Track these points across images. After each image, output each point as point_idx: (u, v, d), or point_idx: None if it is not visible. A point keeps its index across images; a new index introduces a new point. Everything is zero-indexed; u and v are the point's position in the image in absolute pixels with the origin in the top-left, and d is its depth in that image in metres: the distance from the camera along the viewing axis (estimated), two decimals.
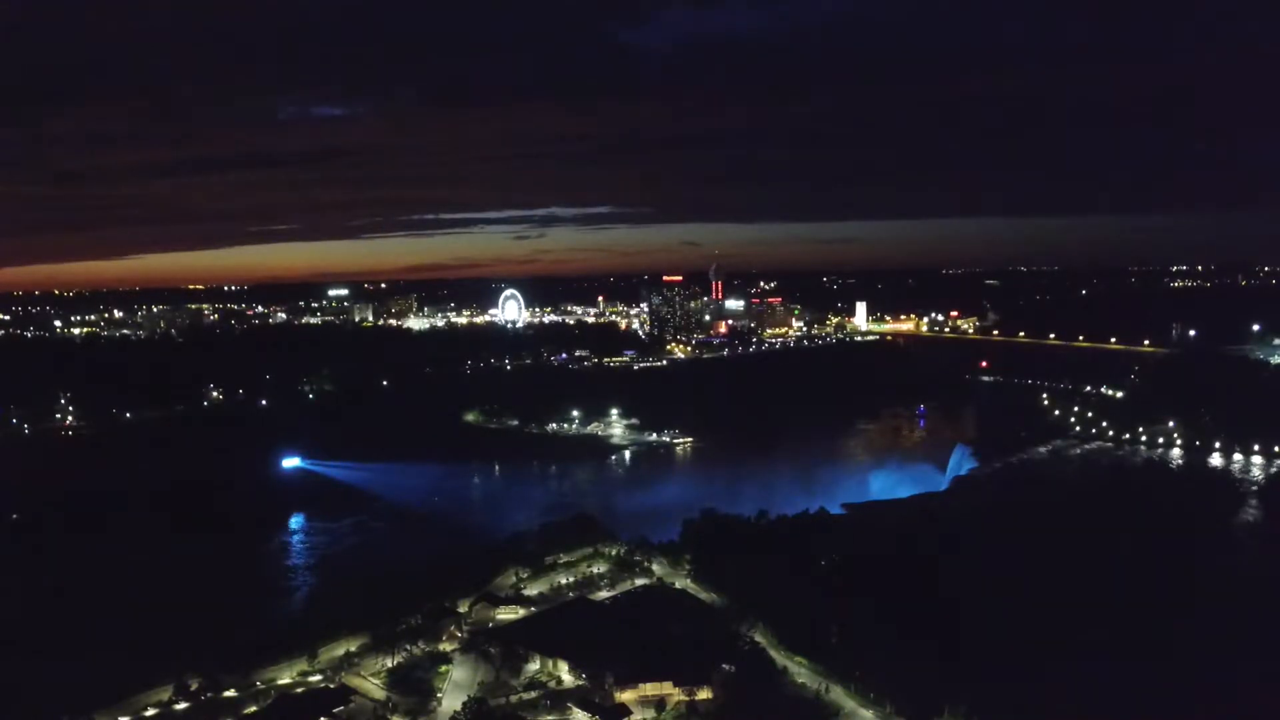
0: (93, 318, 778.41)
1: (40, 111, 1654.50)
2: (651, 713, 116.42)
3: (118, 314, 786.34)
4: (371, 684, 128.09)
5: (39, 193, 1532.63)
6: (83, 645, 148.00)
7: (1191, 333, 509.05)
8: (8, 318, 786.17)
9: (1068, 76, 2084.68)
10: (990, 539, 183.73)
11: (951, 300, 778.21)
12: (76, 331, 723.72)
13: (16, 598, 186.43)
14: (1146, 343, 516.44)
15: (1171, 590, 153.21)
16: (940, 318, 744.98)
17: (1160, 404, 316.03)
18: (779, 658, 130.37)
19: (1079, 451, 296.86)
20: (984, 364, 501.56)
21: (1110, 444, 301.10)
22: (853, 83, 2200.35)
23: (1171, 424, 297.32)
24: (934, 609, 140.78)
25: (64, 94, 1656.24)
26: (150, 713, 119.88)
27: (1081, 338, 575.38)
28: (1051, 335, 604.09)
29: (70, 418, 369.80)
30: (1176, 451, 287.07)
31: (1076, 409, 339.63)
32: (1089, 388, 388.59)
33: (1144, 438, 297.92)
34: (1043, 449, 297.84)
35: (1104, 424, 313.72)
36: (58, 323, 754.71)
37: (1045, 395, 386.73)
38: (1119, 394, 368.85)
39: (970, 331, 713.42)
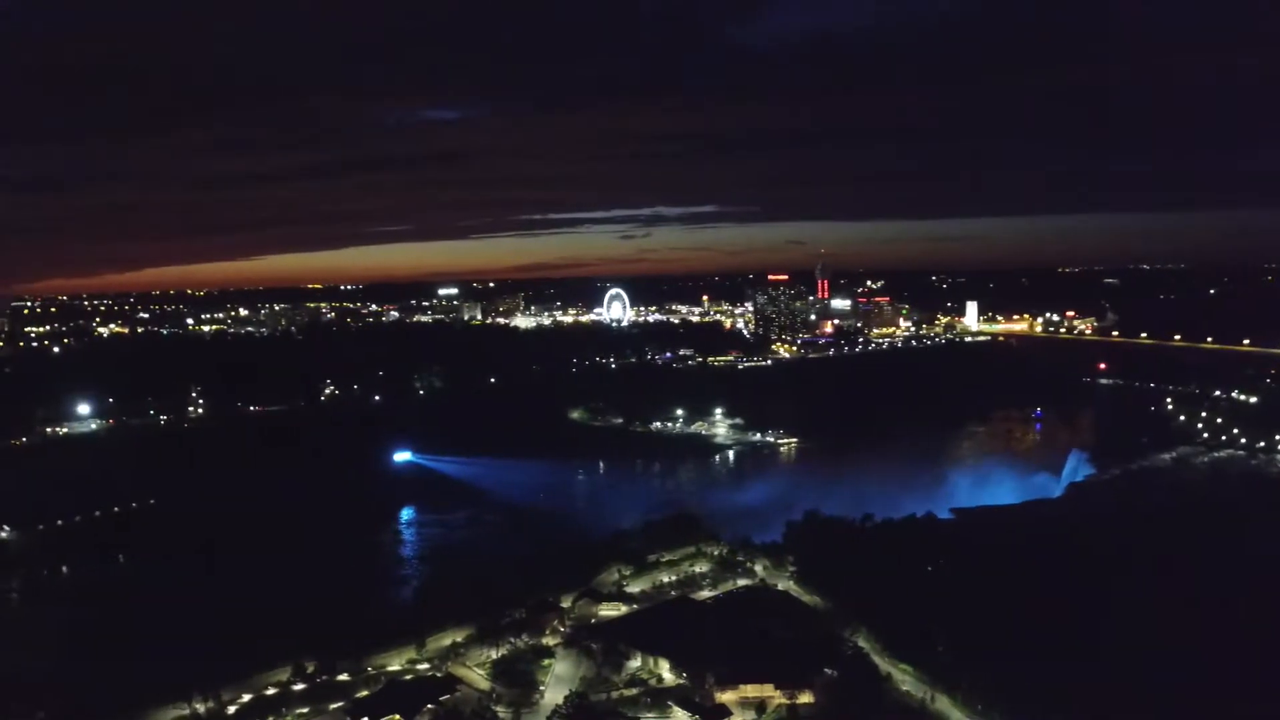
0: (220, 316, 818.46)
1: (173, 123, 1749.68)
2: (752, 714, 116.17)
3: (243, 312, 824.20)
4: (476, 674, 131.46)
5: (174, 199, 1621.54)
6: (211, 627, 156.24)
7: None
8: (147, 316, 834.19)
9: (1195, 61, 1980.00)
10: (1107, 549, 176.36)
11: (1068, 300, 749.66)
12: (206, 329, 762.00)
13: (152, 582, 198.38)
14: None
15: None
16: (1056, 318, 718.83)
17: None
18: (883, 664, 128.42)
19: (1206, 460, 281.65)
20: (1102, 366, 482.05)
21: (1242, 452, 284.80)
22: (966, 74, 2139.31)
23: None
24: (1046, 619, 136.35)
25: (194, 106, 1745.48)
26: (270, 692, 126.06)
27: (1210, 339, 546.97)
28: (1177, 337, 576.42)
29: (200, 411, 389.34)
30: None
31: (1204, 414, 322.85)
32: (1218, 392, 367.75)
33: None
34: (1166, 456, 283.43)
35: (1235, 431, 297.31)
36: (190, 321, 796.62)
37: (1169, 400, 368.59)
38: (1252, 399, 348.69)
39: (1088, 332, 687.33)
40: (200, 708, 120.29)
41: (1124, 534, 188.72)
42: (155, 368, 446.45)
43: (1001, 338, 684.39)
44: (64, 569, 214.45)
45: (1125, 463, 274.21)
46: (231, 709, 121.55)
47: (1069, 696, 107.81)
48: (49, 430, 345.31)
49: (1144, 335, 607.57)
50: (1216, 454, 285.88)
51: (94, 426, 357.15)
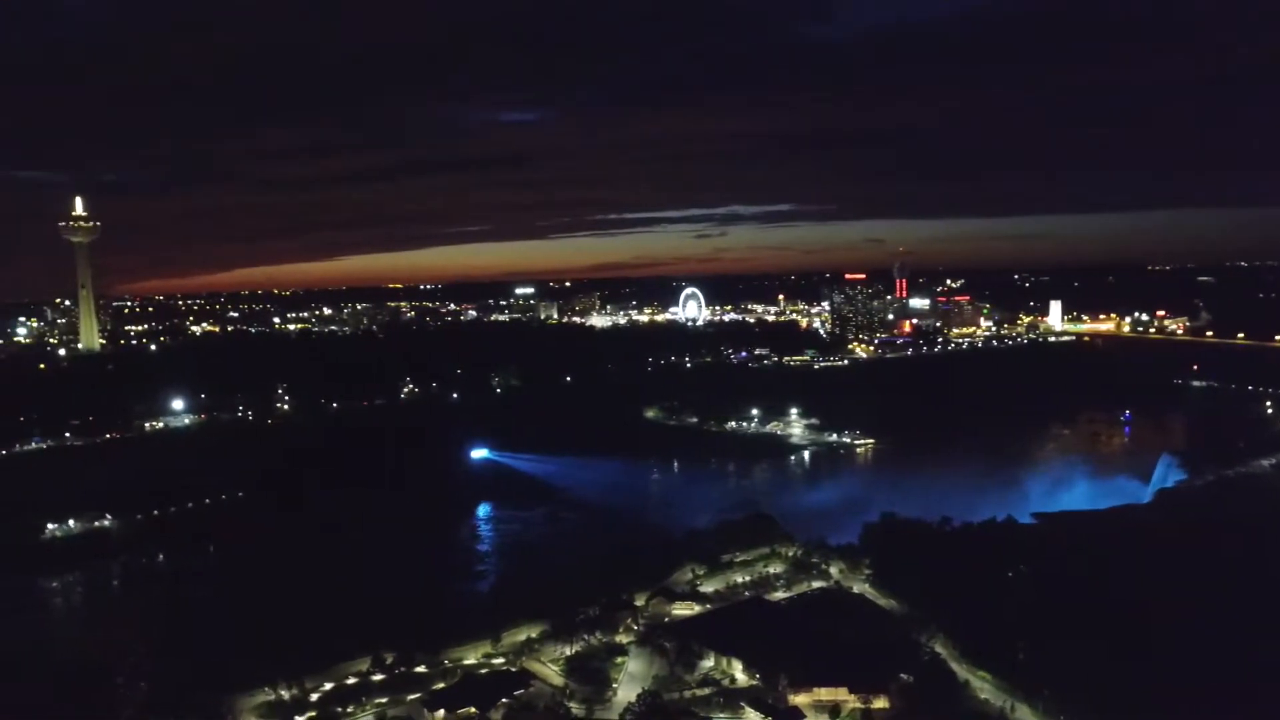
0: (305, 315, 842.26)
1: (256, 125, 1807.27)
2: (825, 718, 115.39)
3: (326, 311, 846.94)
4: (550, 670, 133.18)
5: (262, 201, 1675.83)
6: (295, 617, 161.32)
7: None
8: (237, 315, 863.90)
9: None
10: (1198, 557, 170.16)
11: (1158, 299, 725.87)
12: (292, 328, 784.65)
13: (240, 571, 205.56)
14: None
15: None
16: (1145, 317, 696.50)
17: None
18: (960, 670, 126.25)
19: None
20: (1195, 367, 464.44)
21: None
22: (1046, 68, 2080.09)
23: None
24: (1131, 628, 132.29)
25: (276, 109, 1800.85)
26: (351, 681, 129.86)
27: None
28: (1277, 337, 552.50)
29: (286, 407, 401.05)
30: None
31: None
32: None
33: None
34: (1264, 462, 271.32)
35: None
36: (276, 319, 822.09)
37: (1269, 403, 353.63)
38: None
39: (1179, 332, 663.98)
40: (285, 694, 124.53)
41: (1216, 542, 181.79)
42: (244, 365, 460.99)
43: (1087, 338, 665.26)
44: (160, 557, 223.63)
45: (1220, 468, 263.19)
46: (314, 696, 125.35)
47: (1154, 709, 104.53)
48: (146, 425, 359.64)
49: (1241, 335, 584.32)
50: None
51: (187, 421, 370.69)
